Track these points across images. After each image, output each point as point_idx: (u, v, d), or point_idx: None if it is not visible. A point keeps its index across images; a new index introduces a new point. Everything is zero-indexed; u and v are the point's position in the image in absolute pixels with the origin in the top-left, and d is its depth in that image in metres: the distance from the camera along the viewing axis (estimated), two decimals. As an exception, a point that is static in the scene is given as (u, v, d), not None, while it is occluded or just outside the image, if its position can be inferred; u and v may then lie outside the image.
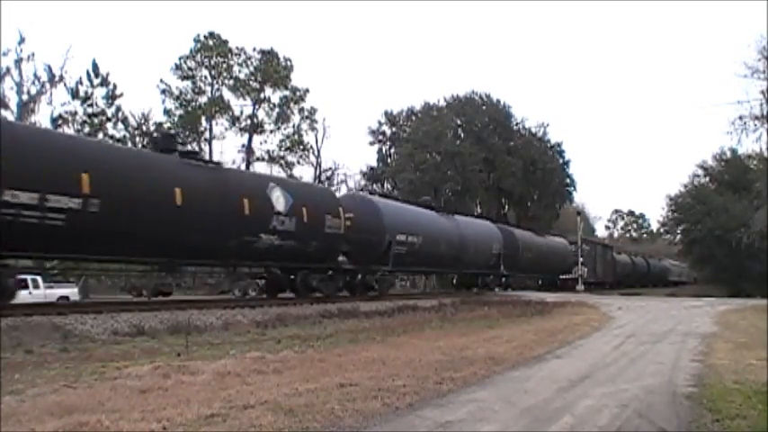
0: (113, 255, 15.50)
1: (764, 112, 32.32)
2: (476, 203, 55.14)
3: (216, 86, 47.68)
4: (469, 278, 33.34)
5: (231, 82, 47.84)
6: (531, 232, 41.08)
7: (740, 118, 32.78)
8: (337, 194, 28.06)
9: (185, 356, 9.40)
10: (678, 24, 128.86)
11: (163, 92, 46.23)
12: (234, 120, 48.14)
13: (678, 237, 53.27)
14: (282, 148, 49.67)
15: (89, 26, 76.33)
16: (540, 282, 43.06)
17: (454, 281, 35.15)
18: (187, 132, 46.54)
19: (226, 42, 47.17)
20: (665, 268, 74.13)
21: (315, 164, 52.16)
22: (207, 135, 47.74)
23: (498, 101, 57.25)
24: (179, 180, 15.97)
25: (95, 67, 40.71)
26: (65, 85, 39.42)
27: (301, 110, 49.91)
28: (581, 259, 44.17)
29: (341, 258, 22.26)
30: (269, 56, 48.21)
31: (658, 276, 70.93)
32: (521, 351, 10.73)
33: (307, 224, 19.52)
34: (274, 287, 20.85)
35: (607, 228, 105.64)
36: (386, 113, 57.85)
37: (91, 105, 40.38)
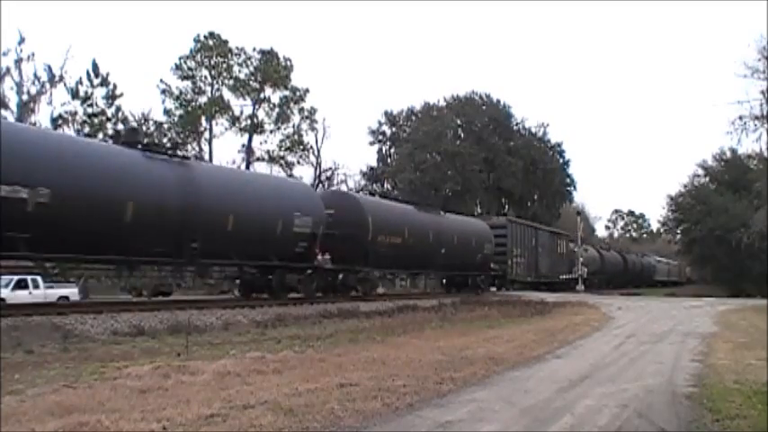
0: None
1: (764, 112, 32.33)
2: (476, 203, 55.16)
3: (216, 86, 47.66)
4: (253, 275, 19.67)
5: (231, 82, 47.82)
6: (413, 206, 27.19)
7: (740, 118, 32.80)
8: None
9: (185, 356, 9.39)
10: (678, 24, 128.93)
11: (163, 92, 46.24)
12: (234, 120, 48.12)
13: (678, 236, 53.36)
14: (282, 148, 49.65)
15: (89, 26, 76.37)
16: (443, 282, 31.97)
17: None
18: (187, 132, 46.54)
19: (226, 42, 47.17)
20: (649, 266, 65.30)
21: (315, 164, 52.19)
22: (207, 135, 47.77)
23: (498, 101, 57.33)
24: None
25: (95, 67, 40.66)
26: (65, 85, 39.35)
27: (301, 110, 49.89)
28: (581, 259, 44.10)
29: None
30: (269, 56, 48.19)
31: (639, 275, 60.54)
32: (521, 351, 10.73)
33: None
34: None
35: (607, 228, 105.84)
36: (386, 113, 57.91)
37: (91, 105, 40.30)
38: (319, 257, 20.11)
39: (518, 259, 34.94)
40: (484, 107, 56.55)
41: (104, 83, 40.75)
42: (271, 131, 49.34)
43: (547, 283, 37.85)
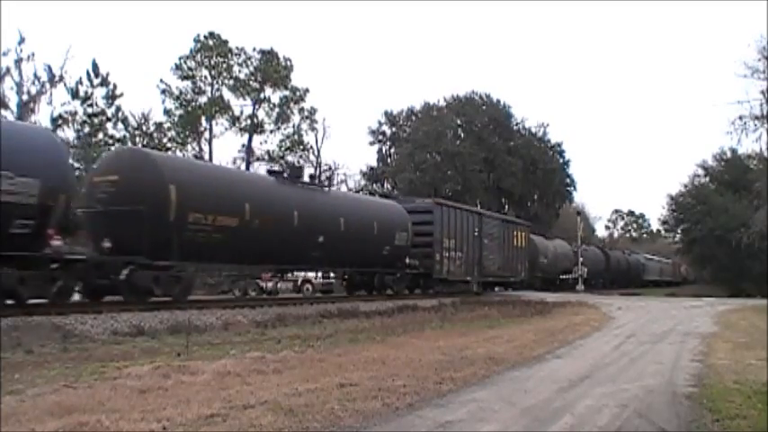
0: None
1: (764, 112, 32.37)
2: (476, 203, 55.23)
3: (216, 86, 47.65)
4: None
5: (231, 82, 47.81)
6: (275, 179, 19.97)
7: (740, 118, 32.85)
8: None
9: (185, 356, 9.39)
10: (679, 24, 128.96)
11: (163, 92, 46.20)
12: (234, 120, 48.12)
13: (678, 236, 53.45)
14: (282, 148, 49.65)
15: (89, 26, 76.30)
16: (343, 282, 25.25)
17: None
18: (187, 132, 46.55)
19: (226, 42, 47.17)
20: (636, 264, 60.32)
21: (315, 164, 52.19)
22: (207, 135, 47.77)
23: (498, 101, 57.36)
24: None
25: (95, 67, 40.60)
26: (65, 85, 39.30)
27: (301, 110, 49.89)
28: (581, 259, 44.03)
29: None
30: (269, 56, 48.19)
31: (625, 275, 55.07)
32: (521, 351, 10.73)
33: None
34: None
35: (607, 228, 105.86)
36: (386, 113, 57.94)
37: (91, 105, 40.27)
38: (56, 243, 13.54)
39: (451, 253, 26.60)
40: (484, 107, 56.58)
41: (104, 83, 40.72)
42: (271, 131, 49.36)
43: (498, 284, 31.56)
